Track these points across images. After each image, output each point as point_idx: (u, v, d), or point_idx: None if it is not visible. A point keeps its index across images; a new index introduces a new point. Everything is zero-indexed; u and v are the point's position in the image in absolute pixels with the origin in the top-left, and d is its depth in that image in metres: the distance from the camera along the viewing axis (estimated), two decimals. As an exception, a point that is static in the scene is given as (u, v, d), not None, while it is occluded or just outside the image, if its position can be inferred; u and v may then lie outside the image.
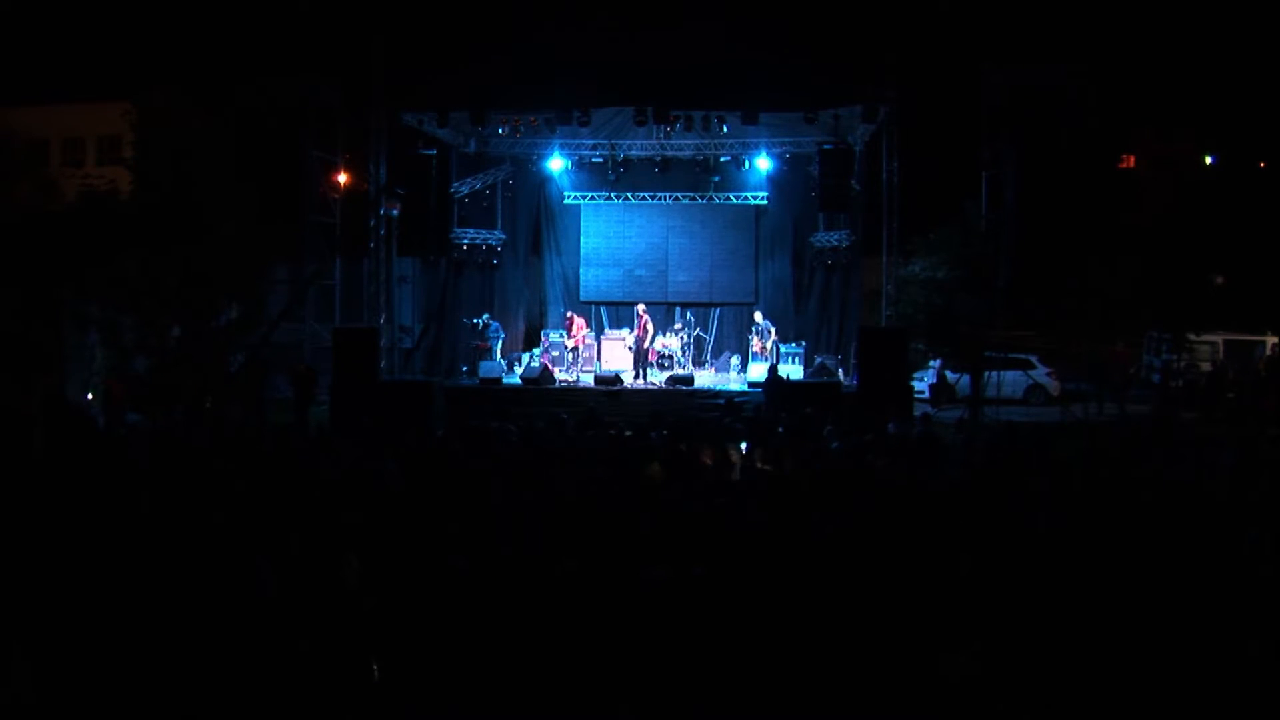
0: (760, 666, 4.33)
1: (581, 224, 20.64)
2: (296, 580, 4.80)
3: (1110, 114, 18.24)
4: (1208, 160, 22.78)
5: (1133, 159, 21.17)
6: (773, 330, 18.47)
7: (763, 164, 19.47)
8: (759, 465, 8.36)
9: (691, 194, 20.14)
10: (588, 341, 19.20)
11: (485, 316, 19.15)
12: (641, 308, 18.49)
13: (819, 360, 17.95)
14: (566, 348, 18.99)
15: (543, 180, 20.43)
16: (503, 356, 19.04)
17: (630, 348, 18.63)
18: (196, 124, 13.82)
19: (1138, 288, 17.39)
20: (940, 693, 4.20)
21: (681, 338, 19.16)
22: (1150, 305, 18.36)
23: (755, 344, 18.37)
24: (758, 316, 18.72)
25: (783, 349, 18.51)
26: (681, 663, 4.32)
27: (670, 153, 19.45)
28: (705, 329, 20.16)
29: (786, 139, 19.06)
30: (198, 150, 13.80)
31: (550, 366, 18.18)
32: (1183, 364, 19.77)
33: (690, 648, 4.39)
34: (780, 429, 11.15)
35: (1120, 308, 17.81)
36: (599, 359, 19.18)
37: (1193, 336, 20.00)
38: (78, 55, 26.31)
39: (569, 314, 19.45)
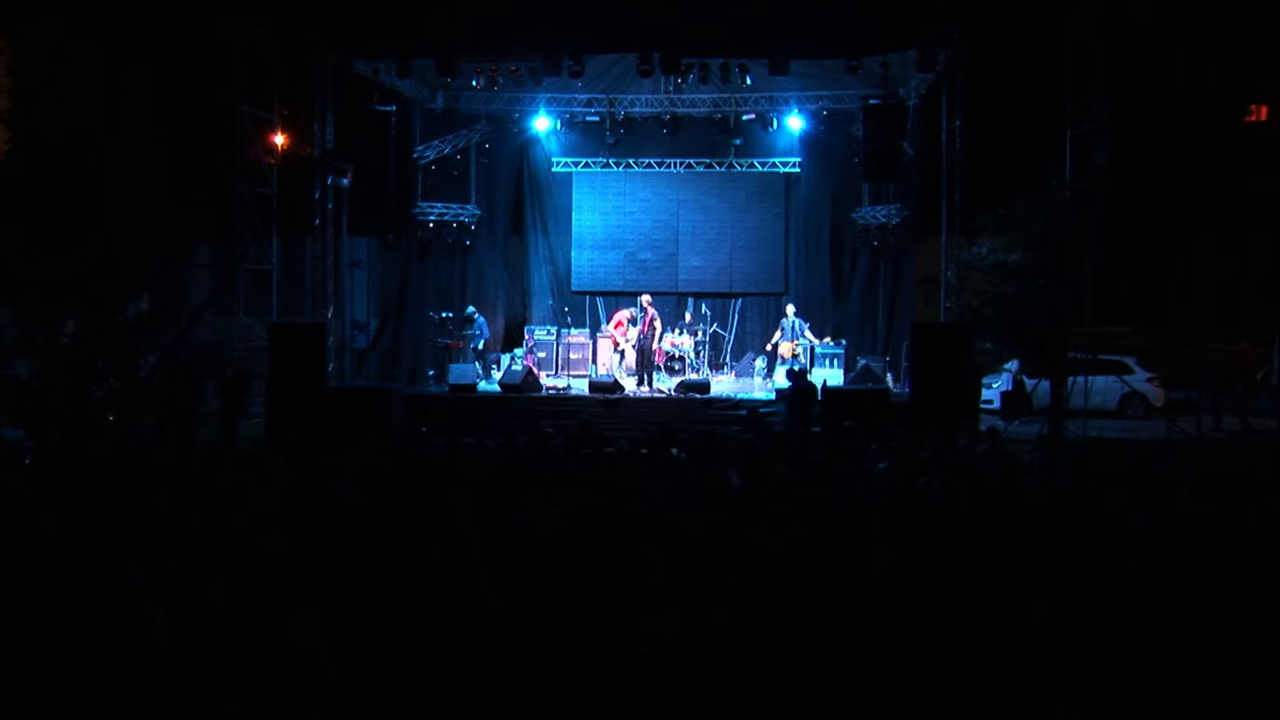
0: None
1: (573, 197, 20.79)
2: (216, 632, 4.83)
3: (1233, 54, 17.84)
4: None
5: (1264, 110, 20.67)
6: (807, 329, 18.41)
7: (794, 123, 19.56)
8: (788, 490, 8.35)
9: (707, 160, 20.25)
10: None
11: (471, 309, 19.25)
12: (647, 299, 18.52)
13: (862, 363, 17.92)
14: (618, 346, 19.05)
15: (526, 144, 20.57)
16: (478, 359, 19.06)
17: (633, 347, 18.63)
18: (97, 69, 13.70)
19: (1268, 271, 17.22)
20: None
21: (696, 331, 19.16)
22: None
23: (784, 348, 18.29)
24: (789, 310, 18.66)
25: (818, 349, 18.47)
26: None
27: (682, 110, 19.51)
28: (724, 325, 20.17)
29: (824, 92, 19.14)
30: (98, 102, 13.72)
31: (535, 370, 18.19)
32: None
33: (703, 710, 4.35)
34: (812, 446, 11.15)
35: (1244, 297, 17.66)
36: (594, 361, 19.19)
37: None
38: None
39: (633, 309, 18.88)
